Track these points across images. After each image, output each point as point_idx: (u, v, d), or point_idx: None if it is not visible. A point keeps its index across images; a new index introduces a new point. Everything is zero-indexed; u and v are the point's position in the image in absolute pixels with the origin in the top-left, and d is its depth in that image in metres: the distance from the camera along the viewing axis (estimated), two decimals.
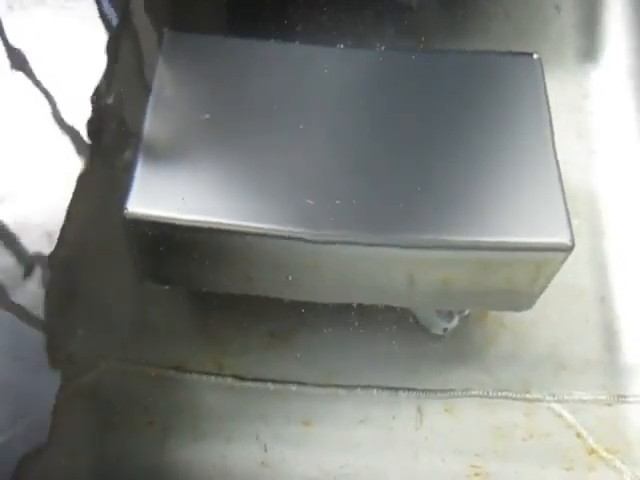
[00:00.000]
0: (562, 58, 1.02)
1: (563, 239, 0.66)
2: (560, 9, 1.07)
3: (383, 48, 0.77)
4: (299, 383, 0.81)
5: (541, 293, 0.73)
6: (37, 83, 0.86)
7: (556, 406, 0.81)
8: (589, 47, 1.04)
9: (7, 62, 0.85)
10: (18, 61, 0.86)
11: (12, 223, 0.79)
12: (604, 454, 0.78)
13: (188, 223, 0.66)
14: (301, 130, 0.71)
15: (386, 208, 0.67)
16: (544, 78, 0.76)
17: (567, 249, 0.66)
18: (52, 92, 0.86)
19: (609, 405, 0.81)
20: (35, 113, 0.86)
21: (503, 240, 0.67)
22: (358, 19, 1.02)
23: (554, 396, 0.81)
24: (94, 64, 0.89)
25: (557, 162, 0.70)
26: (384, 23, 1.03)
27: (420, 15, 1.05)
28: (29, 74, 0.86)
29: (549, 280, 0.71)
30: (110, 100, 0.87)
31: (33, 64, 0.86)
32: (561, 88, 0.96)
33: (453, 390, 0.81)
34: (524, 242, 0.67)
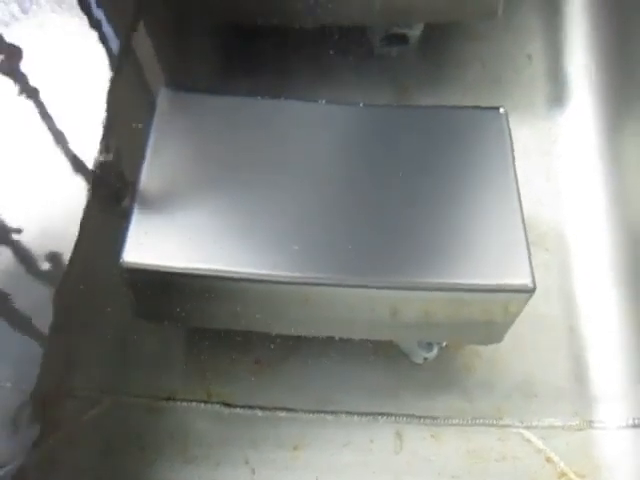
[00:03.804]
0: (533, 104, 1.05)
1: (525, 281, 0.72)
2: (531, 58, 1.10)
3: (361, 104, 0.82)
4: (287, 409, 0.85)
5: (508, 328, 0.78)
6: (38, 120, 0.89)
7: (526, 432, 0.84)
8: (558, 94, 1.07)
9: (7, 98, 0.89)
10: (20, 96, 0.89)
11: (15, 264, 0.82)
12: (572, 476, 0.81)
13: (181, 270, 0.71)
14: (287, 182, 0.77)
15: (366, 253, 0.73)
16: (510, 131, 0.80)
17: (529, 290, 0.72)
18: (54, 129, 0.90)
19: (579, 430, 0.84)
20: (36, 152, 0.89)
21: (473, 282, 0.72)
22: (340, 69, 1.07)
23: (523, 422, 0.85)
24: (93, 111, 0.93)
25: (521, 210, 0.75)
26: (365, 72, 1.07)
27: (400, 64, 1.09)
28: (29, 109, 0.89)
29: (515, 317, 0.76)
30: (109, 155, 0.91)
31: (36, 103, 0.90)
32: (531, 132, 1.00)
33: (432, 417, 0.85)
34: (491, 284, 0.72)
